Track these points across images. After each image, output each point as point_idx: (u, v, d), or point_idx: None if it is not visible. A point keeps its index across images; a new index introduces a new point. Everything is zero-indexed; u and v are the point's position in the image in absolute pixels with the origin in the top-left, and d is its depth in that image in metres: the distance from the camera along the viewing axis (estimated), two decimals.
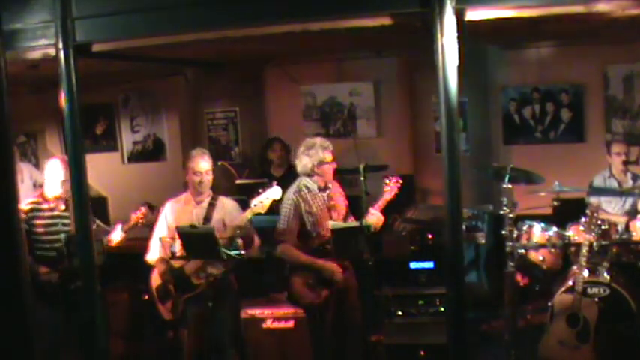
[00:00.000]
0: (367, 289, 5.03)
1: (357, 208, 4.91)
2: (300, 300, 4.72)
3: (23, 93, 8.00)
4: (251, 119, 7.79)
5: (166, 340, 5.20)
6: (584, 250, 4.66)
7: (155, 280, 4.77)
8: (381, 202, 4.69)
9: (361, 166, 4.43)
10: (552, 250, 5.17)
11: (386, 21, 3.73)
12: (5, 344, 2.49)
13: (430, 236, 5.58)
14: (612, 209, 5.54)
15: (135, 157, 8.45)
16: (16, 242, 2.57)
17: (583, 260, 4.64)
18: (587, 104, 6.78)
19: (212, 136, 7.81)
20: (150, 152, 8.36)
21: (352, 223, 4.61)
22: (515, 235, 4.95)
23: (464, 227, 4.02)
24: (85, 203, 4.07)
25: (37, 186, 6.89)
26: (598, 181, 5.63)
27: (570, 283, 4.74)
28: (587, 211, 4.78)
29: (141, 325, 5.73)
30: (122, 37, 4.07)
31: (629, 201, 5.49)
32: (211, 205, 4.77)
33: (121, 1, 3.91)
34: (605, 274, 4.78)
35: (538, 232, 5.20)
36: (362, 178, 4.38)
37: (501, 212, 4.91)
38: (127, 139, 8.45)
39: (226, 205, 4.83)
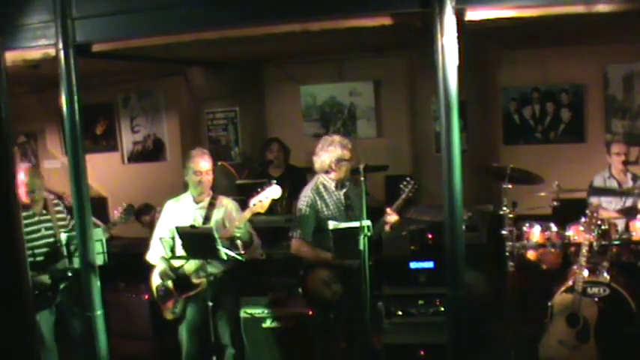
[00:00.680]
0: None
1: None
2: (317, 297, 4.67)
3: (23, 93, 8.01)
4: (251, 119, 7.80)
5: (166, 340, 5.19)
6: (584, 250, 4.66)
7: (155, 280, 4.78)
8: (398, 203, 4.70)
9: (361, 166, 4.42)
10: (552, 250, 5.16)
11: (386, 21, 3.73)
12: (5, 344, 2.49)
13: (430, 236, 5.57)
14: (612, 209, 5.54)
15: (135, 157, 8.46)
16: (16, 242, 2.57)
17: (583, 260, 4.65)
18: (587, 104, 6.79)
19: (212, 136, 7.81)
20: (150, 152, 8.37)
21: (352, 223, 4.60)
22: (515, 235, 4.96)
23: (464, 227, 4.03)
24: (85, 203, 4.08)
25: None
26: (598, 181, 5.63)
27: (570, 283, 4.75)
28: (587, 211, 4.78)
29: (141, 325, 5.73)
30: (122, 37, 4.08)
31: (629, 201, 5.49)
32: (211, 205, 4.78)
33: (121, 1, 3.92)
34: (605, 274, 4.78)
35: (538, 232, 5.19)
36: (362, 178, 4.37)
37: (501, 212, 4.92)
38: (127, 139, 8.47)
39: (226, 204, 4.84)
